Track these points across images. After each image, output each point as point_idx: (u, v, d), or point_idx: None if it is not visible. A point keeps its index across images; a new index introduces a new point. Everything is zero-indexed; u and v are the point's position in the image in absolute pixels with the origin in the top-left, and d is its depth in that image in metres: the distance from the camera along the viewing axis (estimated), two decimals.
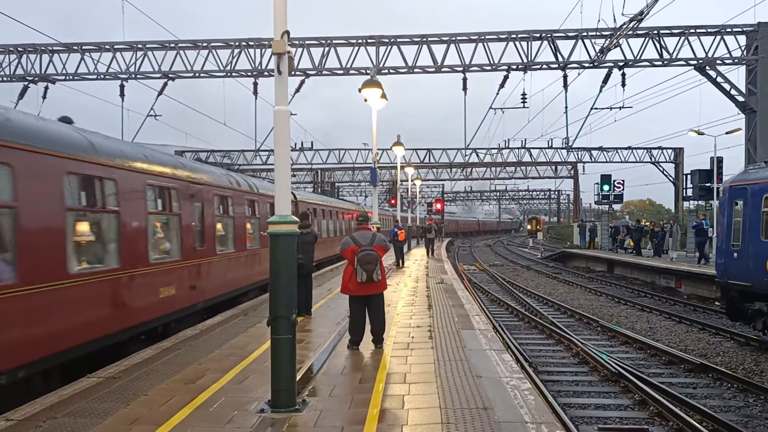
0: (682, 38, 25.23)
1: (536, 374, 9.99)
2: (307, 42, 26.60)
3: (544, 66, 26.28)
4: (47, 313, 6.57)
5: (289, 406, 5.30)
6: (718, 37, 25.21)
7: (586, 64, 25.71)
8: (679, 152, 45.51)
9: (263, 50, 26.89)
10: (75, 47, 27.25)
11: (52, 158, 6.82)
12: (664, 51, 25.31)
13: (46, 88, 27.68)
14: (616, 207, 49.02)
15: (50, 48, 27.14)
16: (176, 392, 5.86)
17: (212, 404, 5.50)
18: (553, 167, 54.32)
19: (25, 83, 27.72)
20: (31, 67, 27.48)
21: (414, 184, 42.97)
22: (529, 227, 76.43)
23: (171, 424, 4.97)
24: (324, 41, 26.70)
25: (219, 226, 12.21)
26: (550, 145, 44.96)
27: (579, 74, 26.39)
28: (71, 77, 27.50)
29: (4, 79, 27.82)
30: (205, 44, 27.15)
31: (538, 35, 25.86)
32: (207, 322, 10.05)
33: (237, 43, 27.15)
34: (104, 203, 8.00)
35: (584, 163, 50.28)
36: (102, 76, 27.53)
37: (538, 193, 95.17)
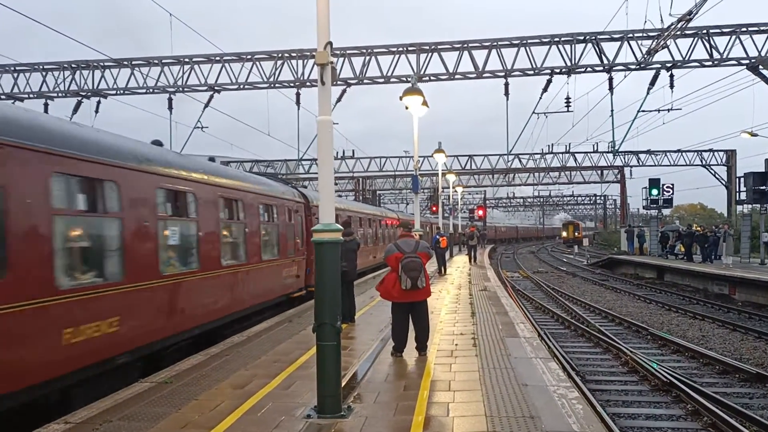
0: (733, 37, 24.41)
1: (584, 383, 9.79)
2: (348, 52, 26.88)
3: (589, 69, 25.81)
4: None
5: (335, 412, 5.35)
6: None
7: (633, 66, 25.16)
8: (731, 155, 44.03)
9: (305, 61, 27.32)
10: (125, 62, 28.24)
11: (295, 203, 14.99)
12: (714, 51, 24.54)
13: (99, 102, 28.77)
14: (666, 212, 47.60)
15: (102, 64, 28.18)
16: (225, 397, 5.99)
17: (260, 409, 5.60)
18: (599, 172, 53.24)
19: (79, 98, 28.88)
20: (84, 83, 28.60)
21: (455, 191, 42.77)
22: (564, 234, 73.15)
23: (221, 428, 5.08)
24: (365, 50, 26.94)
25: None
26: (595, 149, 44.04)
27: (626, 76, 25.86)
28: (122, 92, 28.50)
29: (59, 94, 29.04)
30: (249, 57, 27.76)
31: (581, 38, 25.45)
32: (253, 329, 10.24)
33: (280, 55, 27.67)
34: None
35: (631, 167, 49.13)
36: (151, 90, 28.43)
37: (583, 198, 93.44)
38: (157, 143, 9.38)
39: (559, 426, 5.00)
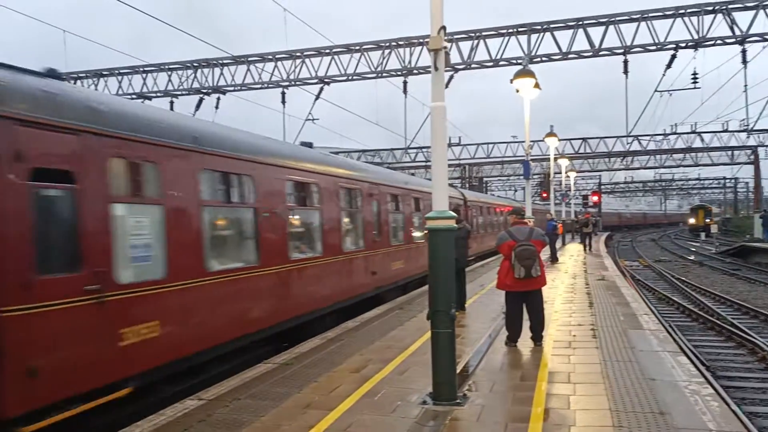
0: None
1: (715, 379, 9.10)
2: (455, 36, 26.50)
3: (719, 42, 23.69)
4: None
5: (450, 400, 5.34)
6: None
7: None
8: None
9: (412, 49, 27.27)
10: (242, 59, 29.65)
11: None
12: None
13: (218, 99, 30.44)
14: None
15: (221, 61, 29.78)
16: (343, 380, 6.16)
17: (376, 393, 5.70)
18: (729, 153, 48.98)
19: (201, 95, 30.73)
20: (205, 80, 30.36)
21: (568, 177, 41.11)
22: (692, 221, 67.30)
23: (340, 410, 5.23)
24: (473, 34, 26.43)
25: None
26: (725, 128, 40.62)
27: (764, 48, 23.49)
28: (239, 88, 29.97)
29: (183, 92, 31.04)
30: (357, 48, 28.15)
31: (710, 8, 23.38)
32: (365, 315, 10.45)
33: (387, 44, 27.81)
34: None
35: (766, 147, 44.80)
36: (265, 85, 29.67)
37: (710, 182, 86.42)
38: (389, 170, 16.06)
39: (693, 424, 4.67)
